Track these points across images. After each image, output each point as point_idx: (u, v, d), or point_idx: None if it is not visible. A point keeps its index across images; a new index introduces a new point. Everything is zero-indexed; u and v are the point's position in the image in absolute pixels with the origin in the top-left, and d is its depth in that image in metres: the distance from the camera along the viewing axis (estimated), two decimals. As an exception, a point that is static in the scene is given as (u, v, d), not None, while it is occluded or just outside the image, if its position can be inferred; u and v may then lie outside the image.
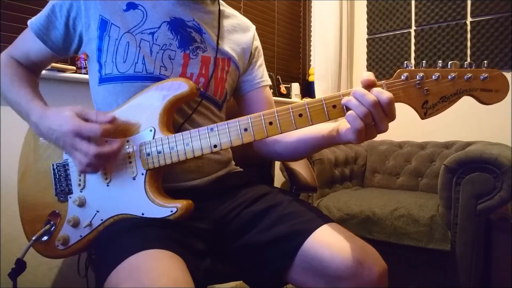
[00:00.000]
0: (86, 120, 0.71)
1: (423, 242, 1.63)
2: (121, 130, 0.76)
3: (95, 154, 0.69)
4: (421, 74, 0.65)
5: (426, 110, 0.66)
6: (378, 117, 0.63)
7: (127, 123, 0.76)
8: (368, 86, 0.64)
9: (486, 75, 0.64)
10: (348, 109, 0.65)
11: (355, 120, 0.63)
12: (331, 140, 0.75)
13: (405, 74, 0.65)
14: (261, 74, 1.00)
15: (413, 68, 0.66)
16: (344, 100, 0.65)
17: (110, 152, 0.70)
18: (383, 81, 0.66)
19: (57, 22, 0.82)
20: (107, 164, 0.74)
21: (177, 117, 0.83)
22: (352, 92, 0.64)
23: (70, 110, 0.72)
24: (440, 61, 0.66)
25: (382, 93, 0.62)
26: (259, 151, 0.95)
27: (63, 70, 1.34)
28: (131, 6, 0.82)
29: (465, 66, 0.65)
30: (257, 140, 0.70)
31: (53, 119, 0.73)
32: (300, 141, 0.82)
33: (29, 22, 0.84)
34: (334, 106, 0.67)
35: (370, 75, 0.64)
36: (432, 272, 1.80)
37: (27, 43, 0.86)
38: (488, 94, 0.65)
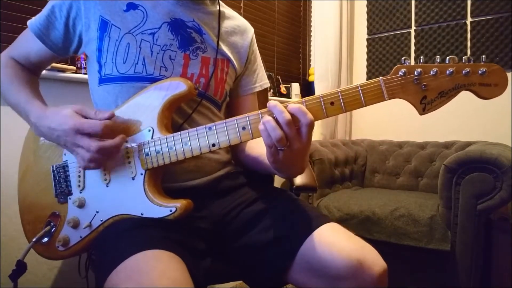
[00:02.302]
0: (86, 117, 0.72)
1: (423, 242, 1.63)
2: (121, 130, 0.76)
3: (97, 148, 0.69)
4: (419, 70, 0.65)
5: (424, 106, 0.66)
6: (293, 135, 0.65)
7: (126, 123, 0.77)
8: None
9: (484, 70, 0.64)
10: (347, 106, 0.67)
11: (267, 138, 0.65)
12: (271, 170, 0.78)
13: (403, 70, 0.65)
14: (255, 79, 1.00)
15: (411, 64, 0.65)
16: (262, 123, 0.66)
17: (112, 146, 0.70)
18: (380, 78, 0.66)
19: (57, 22, 0.82)
20: (109, 159, 0.74)
21: (177, 117, 0.83)
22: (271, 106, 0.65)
23: (70, 108, 0.72)
24: (437, 57, 0.66)
25: (300, 111, 0.64)
26: (236, 157, 0.98)
27: (63, 70, 1.34)
28: (131, 7, 0.82)
29: (464, 61, 0.65)
30: (256, 138, 0.71)
31: (53, 119, 0.73)
32: (255, 160, 0.89)
33: (28, 22, 0.84)
34: (332, 103, 0.67)
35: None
36: (432, 272, 1.80)
37: (27, 43, 0.86)
38: (487, 89, 0.65)
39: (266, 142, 0.66)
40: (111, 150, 0.71)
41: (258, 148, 0.89)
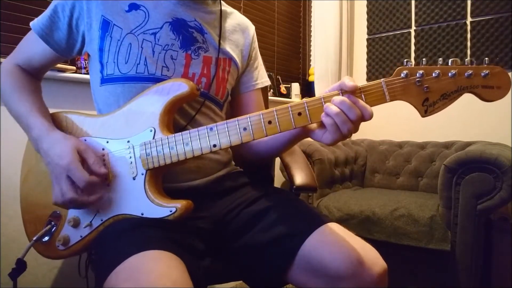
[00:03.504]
0: (84, 159, 0.73)
1: (423, 242, 1.63)
2: (122, 130, 0.77)
3: (70, 198, 0.71)
4: (421, 72, 0.64)
5: (426, 108, 0.65)
6: (355, 128, 0.66)
7: (128, 123, 0.77)
8: (352, 93, 0.66)
9: (487, 72, 0.63)
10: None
11: (335, 131, 0.66)
12: (301, 138, 0.79)
13: (405, 71, 0.65)
14: (256, 76, 1.00)
15: (413, 65, 0.65)
16: (328, 109, 0.66)
17: (84, 202, 0.73)
18: (382, 79, 0.66)
19: (60, 22, 0.82)
20: (77, 207, 0.76)
21: (180, 118, 0.83)
22: (338, 101, 0.65)
23: (73, 145, 0.73)
24: (440, 59, 0.65)
25: (366, 109, 0.65)
26: (245, 154, 0.96)
27: (63, 70, 1.34)
28: (133, 7, 0.82)
29: (466, 64, 0.65)
30: (257, 139, 0.71)
31: (53, 145, 0.74)
32: (272, 138, 0.84)
33: (31, 23, 0.84)
34: None
35: (353, 84, 0.66)
36: (432, 272, 1.80)
37: (30, 45, 0.86)
38: (489, 91, 0.64)
39: (332, 122, 0.66)
40: (81, 205, 0.74)
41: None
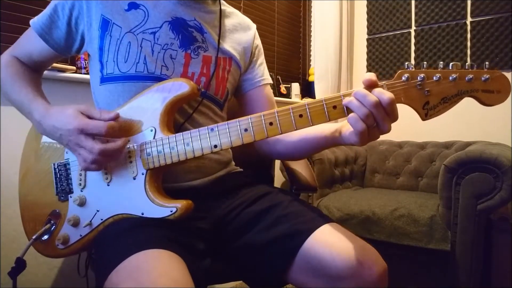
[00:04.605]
0: (90, 118, 0.72)
1: (423, 242, 1.63)
2: (124, 131, 0.76)
3: (100, 151, 0.69)
4: (422, 75, 0.64)
5: (427, 111, 0.66)
6: (380, 117, 0.63)
7: (128, 123, 0.77)
8: (370, 86, 0.64)
9: (487, 76, 0.64)
10: (349, 110, 0.65)
11: (357, 122, 0.63)
12: (333, 142, 0.75)
13: (406, 75, 0.65)
14: (262, 72, 1.00)
15: (413, 69, 0.65)
16: (346, 101, 0.65)
17: (115, 148, 0.71)
18: (383, 82, 0.66)
19: (60, 21, 0.82)
20: (111, 162, 0.74)
21: (178, 116, 0.83)
22: (353, 93, 0.64)
23: (74, 109, 0.72)
24: (441, 62, 0.66)
25: (383, 94, 0.62)
26: (260, 150, 0.95)
27: (63, 70, 1.34)
28: (132, 6, 0.82)
29: (467, 67, 0.65)
30: (257, 141, 0.71)
31: (57, 118, 0.73)
32: (302, 140, 0.83)
33: (31, 21, 0.84)
34: (334, 107, 0.66)
35: (372, 76, 0.64)
36: (432, 272, 1.80)
37: (30, 42, 0.86)
38: (489, 95, 0.65)
39: (356, 117, 0.63)
40: (113, 152, 0.71)
41: (297, 132, 0.82)
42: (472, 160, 1.54)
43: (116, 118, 0.73)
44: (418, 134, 2.40)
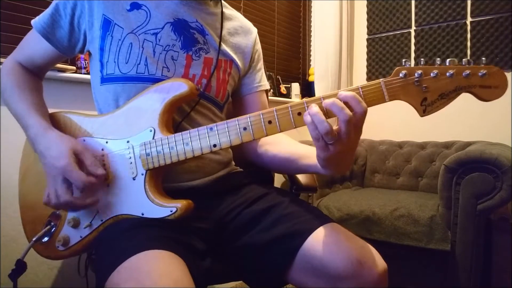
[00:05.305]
0: (81, 161, 0.73)
1: (423, 242, 1.63)
2: (121, 130, 0.76)
3: (65, 201, 0.71)
4: (420, 72, 0.65)
5: (425, 108, 0.66)
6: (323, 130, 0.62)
7: (128, 123, 0.77)
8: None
9: (484, 72, 0.64)
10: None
11: (315, 136, 0.63)
12: (314, 169, 0.77)
13: (404, 71, 0.65)
14: (260, 78, 1.00)
15: (411, 66, 0.66)
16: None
17: (80, 205, 0.73)
18: (381, 79, 0.66)
19: (62, 21, 0.82)
20: (72, 210, 0.77)
21: (177, 116, 0.83)
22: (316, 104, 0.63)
23: (69, 147, 0.73)
24: (438, 59, 0.66)
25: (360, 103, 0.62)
26: (248, 154, 0.96)
27: (63, 70, 1.34)
28: (134, 6, 0.82)
29: (464, 63, 0.65)
30: (257, 139, 0.71)
31: (50, 146, 0.74)
32: (289, 160, 0.84)
33: (32, 22, 0.84)
34: None
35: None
36: (432, 272, 1.80)
37: (32, 44, 0.85)
38: (487, 91, 0.65)
39: (312, 135, 0.63)
40: (77, 208, 0.74)
41: (285, 147, 0.86)
42: (472, 160, 1.54)
43: (101, 177, 0.73)
44: (418, 134, 2.40)
